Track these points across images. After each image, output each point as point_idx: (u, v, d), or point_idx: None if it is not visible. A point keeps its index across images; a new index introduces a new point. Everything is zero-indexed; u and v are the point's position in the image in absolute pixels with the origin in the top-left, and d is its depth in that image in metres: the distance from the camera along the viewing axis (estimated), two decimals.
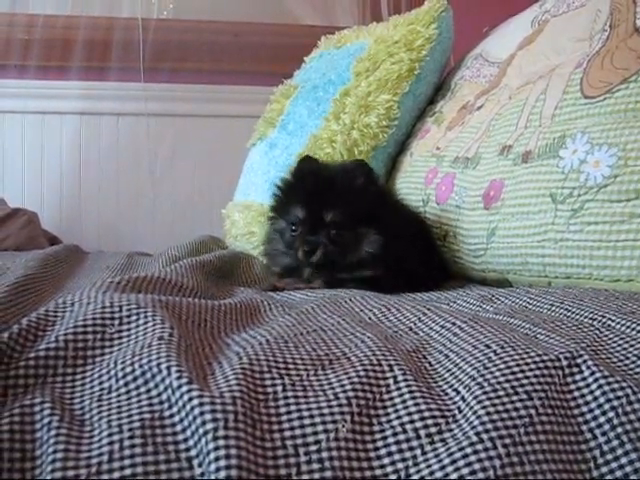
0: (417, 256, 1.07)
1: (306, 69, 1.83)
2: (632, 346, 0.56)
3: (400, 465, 0.43)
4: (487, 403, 0.46)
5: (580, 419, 0.47)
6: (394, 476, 0.43)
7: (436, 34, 1.51)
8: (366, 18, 2.45)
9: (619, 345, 0.56)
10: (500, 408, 0.46)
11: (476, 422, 0.45)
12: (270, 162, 1.65)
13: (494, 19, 1.54)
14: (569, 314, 0.67)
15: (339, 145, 1.44)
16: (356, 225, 1.03)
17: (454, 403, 0.48)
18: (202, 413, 0.43)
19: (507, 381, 0.48)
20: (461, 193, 1.14)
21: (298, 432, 0.44)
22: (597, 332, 0.60)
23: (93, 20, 2.33)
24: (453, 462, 0.42)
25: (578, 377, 0.50)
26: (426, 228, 1.20)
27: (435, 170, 1.25)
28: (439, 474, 0.42)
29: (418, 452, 0.44)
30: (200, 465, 0.41)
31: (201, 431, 0.42)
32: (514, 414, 0.45)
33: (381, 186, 1.21)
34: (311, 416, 0.45)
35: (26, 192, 2.32)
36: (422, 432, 0.45)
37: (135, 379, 0.48)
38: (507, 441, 0.43)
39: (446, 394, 0.50)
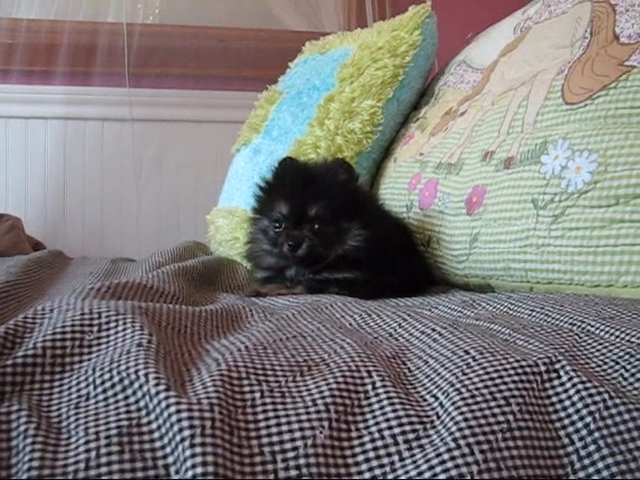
0: (400, 255, 1.08)
1: (290, 75, 1.83)
2: (610, 351, 0.56)
3: (378, 471, 0.43)
4: (465, 409, 0.46)
5: (558, 424, 0.47)
6: None
7: (420, 40, 1.51)
8: (351, 24, 2.45)
9: (597, 350, 0.57)
10: (478, 414, 0.46)
11: (454, 428, 0.45)
12: (254, 168, 1.65)
13: (477, 25, 1.55)
14: (549, 319, 0.68)
15: (323, 151, 1.45)
16: (340, 220, 1.03)
17: (432, 409, 0.48)
18: (179, 420, 0.43)
19: (485, 387, 0.48)
20: (444, 199, 1.14)
21: (276, 439, 0.44)
22: (576, 337, 0.60)
23: (78, 25, 2.32)
24: (430, 468, 0.42)
25: (556, 382, 0.50)
26: (408, 232, 1.20)
27: (419, 176, 1.26)
28: None
29: (396, 458, 0.44)
30: (177, 472, 0.41)
31: (178, 438, 0.42)
32: (492, 420, 0.45)
33: (363, 185, 1.22)
34: (289, 422, 0.45)
35: (10, 197, 2.30)
36: (400, 438, 0.45)
37: (113, 386, 0.48)
38: (485, 447, 0.43)
39: (424, 400, 0.50)
